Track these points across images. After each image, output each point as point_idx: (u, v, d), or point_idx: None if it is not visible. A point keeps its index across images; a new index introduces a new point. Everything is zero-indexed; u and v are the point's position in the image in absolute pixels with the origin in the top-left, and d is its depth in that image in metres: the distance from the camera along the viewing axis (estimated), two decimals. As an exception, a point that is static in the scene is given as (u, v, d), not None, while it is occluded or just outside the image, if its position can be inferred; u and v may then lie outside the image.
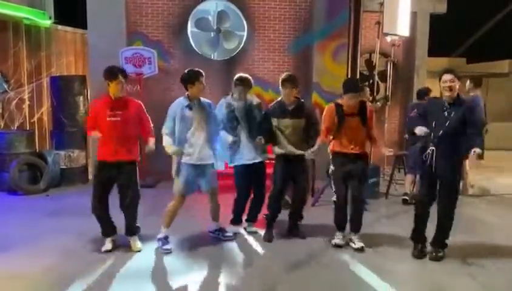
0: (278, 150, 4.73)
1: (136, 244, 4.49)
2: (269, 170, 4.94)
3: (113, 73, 4.27)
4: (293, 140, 4.66)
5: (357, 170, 4.50)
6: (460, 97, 4.16)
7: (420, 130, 4.19)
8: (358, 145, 4.52)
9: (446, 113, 4.11)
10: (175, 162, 4.56)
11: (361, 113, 4.49)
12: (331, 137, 4.59)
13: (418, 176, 6.41)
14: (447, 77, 4.08)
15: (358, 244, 4.53)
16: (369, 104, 4.70)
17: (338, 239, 4.63)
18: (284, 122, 4.64)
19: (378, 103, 8.21)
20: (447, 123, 4.08)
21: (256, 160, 4.79)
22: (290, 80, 4.62)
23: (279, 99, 4.75)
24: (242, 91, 4.74)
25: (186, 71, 4.50)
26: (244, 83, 4.75)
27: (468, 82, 6.92)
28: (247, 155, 4.77)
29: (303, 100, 4.81)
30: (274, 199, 4.78)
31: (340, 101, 4.56)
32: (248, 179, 4.87)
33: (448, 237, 4.30)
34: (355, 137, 4.50)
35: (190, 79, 4.41)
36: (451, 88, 4.07)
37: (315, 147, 4.56)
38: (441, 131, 4.09)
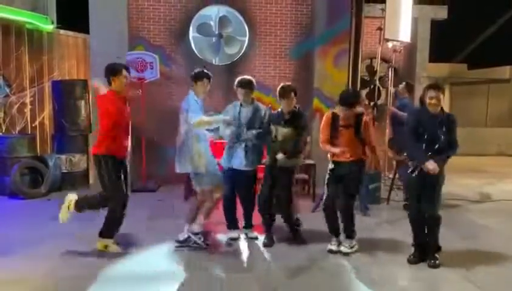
0: (268, 157, 4.76)
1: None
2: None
3: (116, 70, 4.34)
4: (284, 148, 4.64)
5: (348, 178, 4.51)
6: (443, 109, 4.23)
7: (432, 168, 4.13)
8: (352, 154, 4.51)
9: (437, 126, 4.15)
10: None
11: (356, 125, 4.52)
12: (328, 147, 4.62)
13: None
14: (432, 94, 4.13)
15: (344, 249, 4.56)
16: (366, 117, 4.64)
17: (332, 245, 4.66)
18: (280, 130, 4.67)
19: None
20: (442, 138, 4.12)
21: (245, 168, 4.78)
22: (290, 92, 4.65)
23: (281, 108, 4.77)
24: (244, 94, 4.76)
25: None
26: (242, 85, 4.76)
27: (404, 84, 7.30)
28: (236, 160, 4.77)
29: (305, 113, 4.85)
30: (261, 205, 4.80)
31: (336, 110, 4.60)
32: (231, 182, 4.85)
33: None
34: (349, 147, 4.51)
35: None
36: (436, 104, 4.13)
37: (282, 156, 4.56)
38: (437, 146, 4.13)
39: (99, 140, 4.42)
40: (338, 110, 4.57)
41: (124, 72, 4.35)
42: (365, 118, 4.59)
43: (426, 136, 4.16)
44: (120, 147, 4.39)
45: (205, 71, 4.68)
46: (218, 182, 4.63)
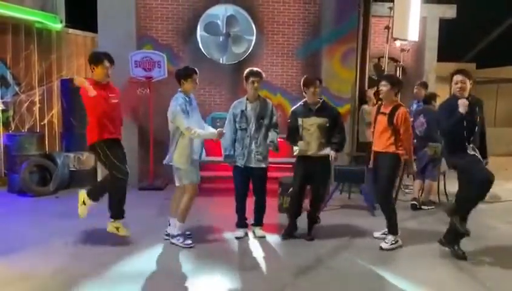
0: (300, 150, 4.78)
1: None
2: (273, 174, 4.96)
3: (99, 58, 4.40)
4: (318, 138, 4.69)
5: (378, 169, 4.64)
6: (472, 96, 4.24)
7: (463, 107, 4.09)
8: (381, 143, 4.59)
9: (473, 111, 4.16)
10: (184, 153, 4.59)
11: (391, 114, 4.55)
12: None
13: (426, 181, 6.41)
14: (458, 78, 4.15)
15: (384, 245, 4.65)
16: (404, 109, 4.66)
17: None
18: (310, 121, 4.70)
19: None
20: (478, 120, 4.21)
21: (254, 165, 4.79)
22: (315, 80, 4.73)
23: (304, 100, 4.84)
24: (251, 82, 4.74)
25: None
26: (253, 74, 4.75)
27: (418, 83, 7.50)
28: (247, 157, 4.78)
29: (326, 101, 4.91)
30: (293, 198, 4.88)
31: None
32: (245, 180, 4.88)
33: None
34: (380, 136, 4.60)
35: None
36: (461, 88, 4.14)
37: (333, 155, 4.68)
38: (476, 128, 4.22)
39: (89, 130, 4.45)
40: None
41: (106, 62, 4.40)
42: (402, 110, 4.59)
43: (465, 124, 4.16)
44: (105, 130, 4.41)
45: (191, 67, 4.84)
46: (196, 181, 4.67)
